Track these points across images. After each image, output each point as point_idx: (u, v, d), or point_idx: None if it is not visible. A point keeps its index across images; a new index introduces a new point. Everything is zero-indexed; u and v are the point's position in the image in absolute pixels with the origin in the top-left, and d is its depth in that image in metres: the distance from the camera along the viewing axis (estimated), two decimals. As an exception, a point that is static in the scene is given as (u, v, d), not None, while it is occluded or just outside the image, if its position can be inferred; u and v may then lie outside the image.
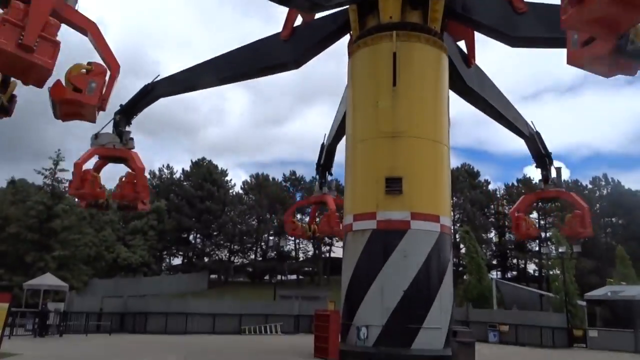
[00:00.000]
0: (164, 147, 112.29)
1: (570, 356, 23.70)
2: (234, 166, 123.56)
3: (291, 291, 51.40)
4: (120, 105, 22.76)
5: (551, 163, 25.94)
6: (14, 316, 23.80)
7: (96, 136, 20.84)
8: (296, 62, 21.32)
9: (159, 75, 22.78)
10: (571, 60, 10.57)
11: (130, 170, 21.42)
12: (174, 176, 75.54)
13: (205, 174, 70.99)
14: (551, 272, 42.48)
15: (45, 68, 10.90)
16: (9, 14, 10.52)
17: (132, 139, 21.65)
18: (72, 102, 12.39)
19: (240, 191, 78.04)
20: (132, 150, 22.06)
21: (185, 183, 73.18)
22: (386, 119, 19.03)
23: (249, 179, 79.48)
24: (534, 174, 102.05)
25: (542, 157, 26.05)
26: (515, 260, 76.70)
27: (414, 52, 19.47)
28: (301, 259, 76.56)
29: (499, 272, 75.03)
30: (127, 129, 22.16)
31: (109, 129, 21.54)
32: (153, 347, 20.71)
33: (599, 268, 56.98)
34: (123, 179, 21.52)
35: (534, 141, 25.74)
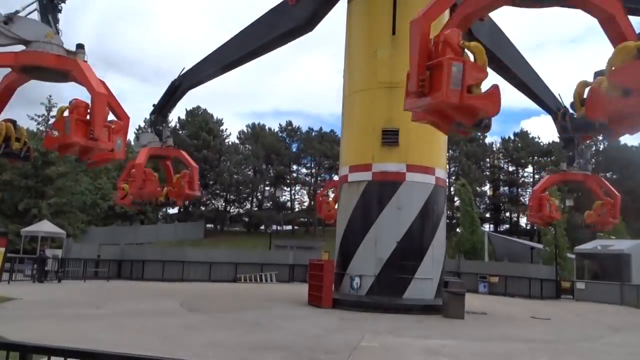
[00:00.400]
0: (157, 95, 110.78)
1: (555, 306, 24.35)
2: (229, 115, 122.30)
3: (286, 241, 52.11)
4: (153, 105, 23.53)
5: (579, 143, 23.34)
6: (12, 262, 24.09)
7: (137, 137, 21.78)
8: (309, 23, 20.56)
9: (184, 69, 22.86)
10: (414, 119, 11.01)
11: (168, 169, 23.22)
12: (169, 125, 74.95)
13: (201, 123, 70.45)
14: (543, 226, 43.04)
15: (105, 149, 13.34)
16: (77, 112, 12.77)
17: (170, 136, 22.86)
18: (105, 160, 15.02)
19: (236, 141, 77.80)
20: (180, 150, 23.43)
21: (181, 132, 72.69)
22: (384, 69, 18.74)
23: (245, 129, 79.07)
24: (531, 127, 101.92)
25: (570, 136, 23.10)
26: (508, 214, 77.63)
27: (414, -2, 18.90)
28: (297, 209, 77.21)
29: (491, 225, 76.04)
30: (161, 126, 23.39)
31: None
32: (150, 292, 21.12)
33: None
34: (179, 178, 23.10)
35: (561, 118, 22.46)
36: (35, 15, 13.22)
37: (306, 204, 76.93)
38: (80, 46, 13.36)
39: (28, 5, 13.04)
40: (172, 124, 74.53)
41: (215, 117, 74.55)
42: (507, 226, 77.02)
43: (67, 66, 12.89)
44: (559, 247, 34.76)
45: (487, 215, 76.20)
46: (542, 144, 76.71)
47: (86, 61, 13.32)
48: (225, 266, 31.04)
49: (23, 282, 23.19)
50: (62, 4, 13.78)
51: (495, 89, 8.16)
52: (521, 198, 77.02)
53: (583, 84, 9.15)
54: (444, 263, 19.77)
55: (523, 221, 76.14)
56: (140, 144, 22.10)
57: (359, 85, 19.44)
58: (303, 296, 19.90)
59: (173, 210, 74.22)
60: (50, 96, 42.79)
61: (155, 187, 21.85)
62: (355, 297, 18.14)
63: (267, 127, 78.37)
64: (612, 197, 23.74)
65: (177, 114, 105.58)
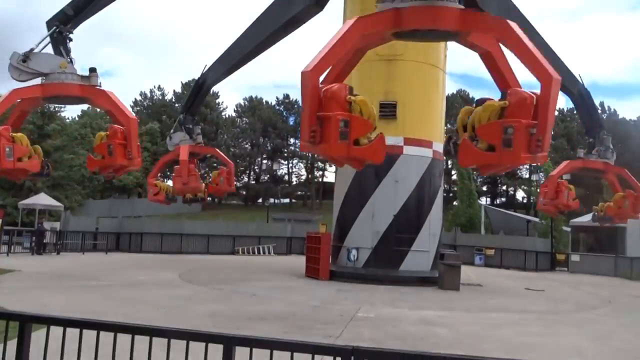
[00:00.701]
0: (153, 67, 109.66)
1: (550, 278, 24.65)
2: (226, 88, 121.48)
3: (284, 214, 52.34)
4: (180, 105, 23.31)
5: (601, 129, 20.96)
6: (10, 234, 24.20)
7: (170, 137, 23.06)
8: (318, 3, 20.01)
9: (206, 66, 22.92)
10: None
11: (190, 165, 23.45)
12: (165, 97, 74.39)
13: (198, 96, 69.91)
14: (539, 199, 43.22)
15: (137, 165, 15.71)
16: (117, 138, 14.57)
17: (199, 134, 23.53)
18: (127, 170, 17.22)
19: (233, 114, 77.32)
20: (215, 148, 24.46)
21: (177, 105, 72.16)
22: (383, 42, 18.49)
23: (242, 102, 78.51)
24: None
25: (592, 122, 20.99)
26: (505, 187, 77.88)
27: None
28: (294, 182, 77.28)
29: (488, 199, 76.37)
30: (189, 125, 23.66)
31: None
32: (149, 264, 21.27)
33: (587, 196, 58.02)
34: (218, 174, 24.24)
35: (581, 101, 20.59)
36: (50, 48, 14.89)
37: (303, 177, 77.01)
38: (92, 70, 14.82)
39: (41, 41, 14.72)
40: (168, 97, 74.19)
41: (211, 90, 73.93)
42: (504, 199, 77.39)
43: (90, 94, 14.66)
44: (554, 220, 34.96)
45: (484, 188, 76.46)
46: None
47: (100, 84, 14.79)
48: (223, 239, 31.23)
49: (22, 255, 23.32)
50: (71, 34, 15.36)
51: (379, 139, 8.85)
52: (518, 172, 77.16)
53: (466, 111, 9.60)
54: (441, 236, 19.92)
55: (519, 194, 76.51)
56: (172, 142, 22.77)
57: (357, 58, 19.21)
58: (300, 268, 20.08)
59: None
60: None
61: (199, 183, 22.50)
62: (352, 269, 18.32)
63: (264, 100, 77.83)
64: (636, 190, 21.33)
65: (172, 86, 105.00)
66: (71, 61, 14.80)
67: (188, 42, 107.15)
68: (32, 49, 14.34)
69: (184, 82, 73.92)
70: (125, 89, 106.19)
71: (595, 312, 14.10)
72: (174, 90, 74.95)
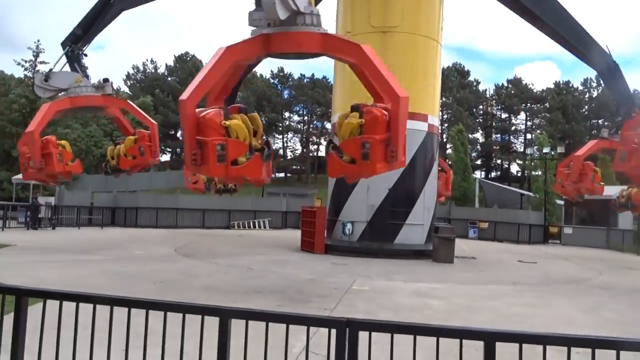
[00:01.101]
0: (146, 40, 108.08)
1: (542, 250, 24.93)
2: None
3: (279, 188, 52.36)
4: (173, 79, 23.22)
5: (632, 106, 18.28)
6: (5, 209, 24.15)
7: None
8: None
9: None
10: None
11: None
12: (158, 71, 73.55)
13: (192, 69, 69.23)
14: (533, 173, 43.41)
15: (158, 161, 18.44)
16: (144, 139, 16.80)
17: None
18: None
19: (228, 88, 76.64)
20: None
21: (170, 78, 71.42)
22: (378, 13, 18.31)
23: (235, 75, 77.74)
24: (525, 74, 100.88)
25: (622, 98, 18.67)
26: (499, 161, 78.10)
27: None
28: (289, 157, 77.17)
29: (483, 172, 76.65)
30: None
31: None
32: (144, 239, 21.34)
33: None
34: None
35: (609, 75, 18.41)
36: (67, 66, 16.97)
37: (299, 151, 76.90)
38: (105, 80, 16.65)
39: (57, 61, 16.97)
40: (161, 70, 73.34)
41: (204, 63, 73.26)
42: (498, 173, 77.70)
43: (111, 103, 17.09)
44: (548, 193, 35.19)
45: (478, 162, 76.68)
46: (535, 90, 76.29)
47: (114, 91, 16.70)
48: (219, 213, 31.30)
49: (17, 229, 23.32)
50: (83, 51, 17.25)
51: (255, 158, 9.58)
52: (513, 145, 77.33)
53: (344, 116, 10.35)
54: (435, 209, 20.02)
55: (514, 168, 76.79)
56: None
57: (351, 29, 19.00)
58: (296, 242, 20.20)
59: (165, 158, 74.08)
60: (37, 40, 41.66)
61: None
62: (347, 242, 18.45)
63: (258, 74, 77.11)
64: None
65: (165, 60, 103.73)
66: (87, 76, 16.76)
67: (181, 15, 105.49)
68: (51, 69, 16.54)
69: (176, 55, 73.17)
70: (117, 61, 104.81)
71: (587, 283, 14.30)
72: (166, 64, 74.11)
